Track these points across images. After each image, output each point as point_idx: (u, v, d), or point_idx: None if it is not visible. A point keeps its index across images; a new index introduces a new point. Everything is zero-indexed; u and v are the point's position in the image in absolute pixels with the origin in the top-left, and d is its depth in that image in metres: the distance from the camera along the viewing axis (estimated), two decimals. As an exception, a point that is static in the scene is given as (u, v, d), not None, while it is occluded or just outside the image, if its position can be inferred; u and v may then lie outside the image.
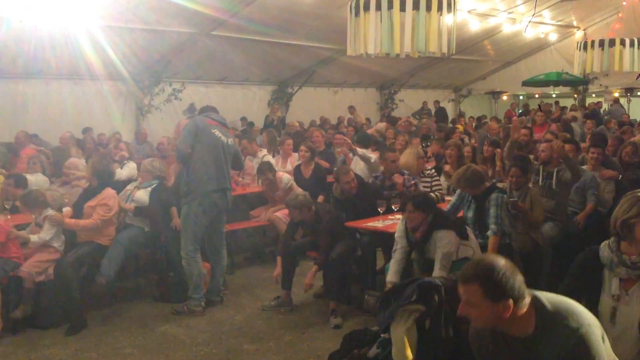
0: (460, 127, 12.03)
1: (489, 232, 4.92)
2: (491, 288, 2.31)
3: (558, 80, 15.82)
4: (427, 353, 3.40)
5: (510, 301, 2.31)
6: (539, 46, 17.03)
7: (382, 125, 12.38)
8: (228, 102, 13.03)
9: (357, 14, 7.11)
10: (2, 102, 10.54)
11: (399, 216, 5.72)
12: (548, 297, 2.42)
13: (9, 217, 5.68)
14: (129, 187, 6.12)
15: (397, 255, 4.81)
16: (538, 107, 15.42)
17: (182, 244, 5.50)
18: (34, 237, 5.20)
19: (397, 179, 6.30)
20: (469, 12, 12.46)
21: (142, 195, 5.85)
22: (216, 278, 5.77)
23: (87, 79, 11.11)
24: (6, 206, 6.07)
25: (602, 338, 2.38)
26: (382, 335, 3.69)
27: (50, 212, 5.27)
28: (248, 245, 7.60)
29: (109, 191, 5.59)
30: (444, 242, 4.51)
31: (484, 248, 4.86)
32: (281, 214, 6.95)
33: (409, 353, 3.36)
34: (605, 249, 2.86)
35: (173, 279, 5.89)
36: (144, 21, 9.79)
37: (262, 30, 11.22)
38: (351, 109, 15.62)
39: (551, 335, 2.35)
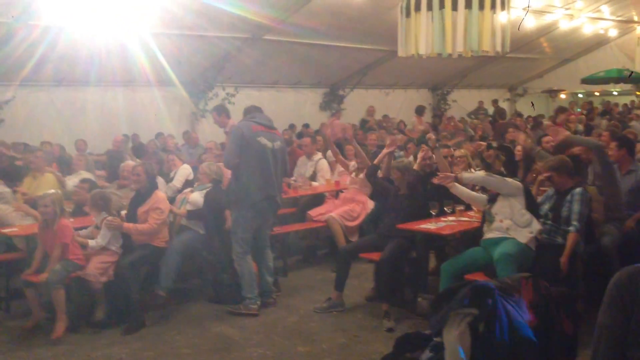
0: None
1: (571, 228, 4.76)
2: None
3: (619, 77, 15.29)
4: (481, 358, 3.33)
5: None
6: (598, 42, 16.48)
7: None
8: (280, 105, 13.15)
9: (408, 14, 7.06)
10: (61, 108, 10.96)
11: (451, 218, 5.65)
12: None
13: (71, 220, 5.91)
14: (186, 190, 6.26)
15: None
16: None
17: (233, 246, 5.61)
18: (91, 242, 5.37)
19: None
20: (523, 9, 12.15)
21: (197, 197, 5.98)
22: (264, 279, 5.82)
23: (142, 85, 11.42)
24: (67, 209, 6.27)
25: None
26: (434, 339, 3.64)
27: (108, 216, 5.42)
28: (301, 248, 7.64)
29: (159, 194, 5.72)
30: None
31: (557, 247, 4.75)
32: (337, 215, 6.97)
33: (463, 356, 3.30)
34: None
35: (227, 281, 5.98)
36: (197, 28, 9.99)
37: (312, 34, 11.27)
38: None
39: None
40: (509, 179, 5.08)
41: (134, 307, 5.29)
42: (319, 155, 8.41)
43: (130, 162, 7.19)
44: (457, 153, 6.64)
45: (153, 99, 11.72)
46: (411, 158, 7.21)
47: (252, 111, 5.81)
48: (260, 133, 5.56)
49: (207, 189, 6.04)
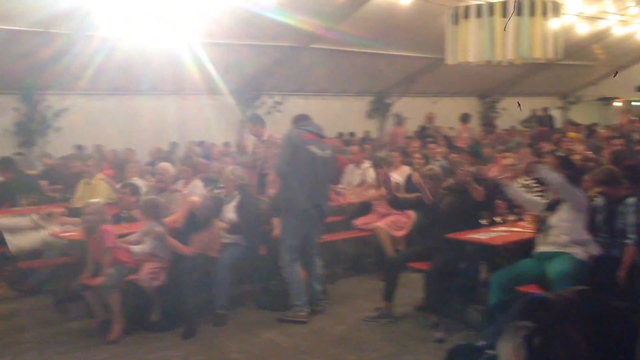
0: (573, 135, 11.45)
1: (628, 242, 4.62)
2: None
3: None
4: None
5: None
6: (655, 49, 15.99)
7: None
8: (326, 113, 13.17)
9: (456, 21, 7.03)
10: (115, 116, 11.30)
11: (503, 228, 5.56)
12: None
13: (124, 225, 6.07)
14: None
15: None
16: None
17: (281, 254, 5.65)
18: (135, 248, 5.47)
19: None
20: (576, 15, 11.91)
21: (229, 213, 5.94)
22: (313, 286, 5.84)
23: (191, 93, 11.69)
24: (122, 214, 6.43)
25: None
26: (487, 351, 3.58)
27: (158, 227, 5.49)
28: (349, 256, 7.64)
29: (217, 224, 5.73)
30: None
31: (613, 260, 4.62)
32: (384, 224, 6.95)
33: None
34: None
35: (276, 287, 6.03)
36: (245, 37, 10.16)
37: (358, 42, 11.30)
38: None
39: None
40: (580, 192, 4.90)
41: (188, 312, 5.38)
42: (367, 163, 8.40)
43: (164, 164, 7.17)
44: (506, 161, 6.49)
45: (202, 107, 11.96)
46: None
47: (301, 119, 5.82)
48: (311, 141, 5.57)
49: (236, 200, 6.00)
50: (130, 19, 8.56)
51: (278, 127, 12.26)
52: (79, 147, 10.41)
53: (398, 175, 7.75)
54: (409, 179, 7.55)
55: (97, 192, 7.10)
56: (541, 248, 4.84)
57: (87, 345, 5.12)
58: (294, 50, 11.40)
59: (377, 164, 7.15)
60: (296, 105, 12.41)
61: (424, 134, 13.18)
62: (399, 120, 13.50)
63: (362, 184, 8.21)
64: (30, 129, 10.66)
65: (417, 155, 7.70)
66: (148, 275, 5.36)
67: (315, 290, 5.84)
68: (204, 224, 5.59)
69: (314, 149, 5.56)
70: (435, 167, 6.32)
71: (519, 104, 15.12)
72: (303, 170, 5.49)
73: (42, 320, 5.69)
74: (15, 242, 6.27)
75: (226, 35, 9.99)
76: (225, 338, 5.25)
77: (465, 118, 14.36)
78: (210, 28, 9.43)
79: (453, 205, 5.59)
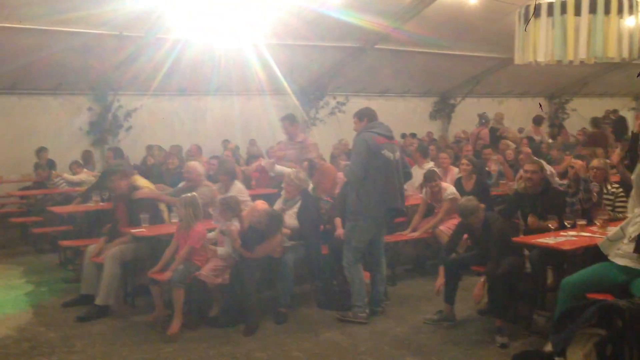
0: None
1: None
2: None
3: None
4: None
5: None
6: None
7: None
8: (389, 114, 13.04)
9: (526, 20, 6.85)
10: (184, 116, 11.66)
11: (572, 233, 5.38)
12: None
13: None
14: (275, 205, 6.19)
15: None
16: None
17: (345, 253, 5.65)
18: (220, 250, 5.59)
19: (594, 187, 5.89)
20: None
21: (290, 220, 5.96)
22: (376, 287, 5.83)
23: (256, 94, 11.90)
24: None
25: None
26: (555, 358, 3.48)
27: (234, 225, 5.56)
28: (410, 257, 7.58)
29: (278, 236, 5.76)
30: None
31: None
32: (444, 227, 6.86)
33: None
34: None
35: (336, 287, 6.06)
36: (309, 38, 10.24)
37: (425, 41, 11.19)
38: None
39: None
40: None
41: (251, 309, 5.47)
42: (431, 163, 8.32)
43: (193, 163, 7.28)
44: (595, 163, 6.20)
45: (266, 107, 12.15)
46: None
47: (367, 115, 5.72)
48: (384, 146, 5.50)
49: (297, 205, 6.00)
50: (199, 21, 8.77)
51: (341, 127, 12.39)
52: (150, 147, 10.75)
53: (448, 181, 7.67)
54: (458, 181, 7.46)
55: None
56: (624, 261, 4.45)
57: (152, 339, 5.27)
58: (358, 51, 11.41)
59: (427, 179, 7.07)
60: (359, 105, 12.33)
61: (497, 134, 12.80)
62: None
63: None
64: (102, 128, 11.12)
65: (464, 160, 7.56)
66: (210, 272, 5.49)
67: (378, 291, 5.83)
68: (265, 236, 5.64)
69: (387, 153, 5.50)
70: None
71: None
72: (377, 175, 5.44)
73: (110, 312, 5.89)
74: None
75: (291, 36, 10.11)
76: (286, 336, 5.31)
77: (537, 120, 13.95)
78: (276, 29, 9.55)
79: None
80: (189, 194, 5.74)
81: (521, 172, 6.05)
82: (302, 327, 5.52)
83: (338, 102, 12.94)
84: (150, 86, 10.46)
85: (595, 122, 12.89)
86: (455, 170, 8.18)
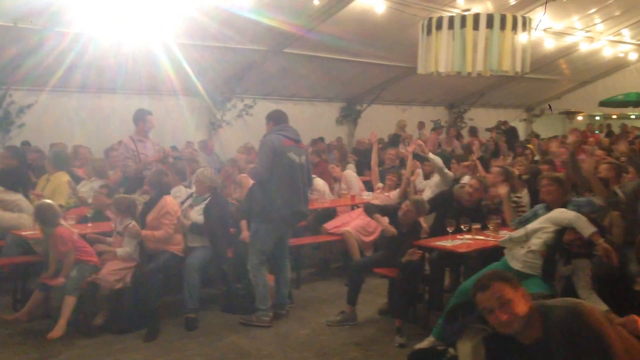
0: (531, 147, 11.76)
1: None
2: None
3: (638, 101, 15.20)
4: None
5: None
6: (618, 65, 16.42)
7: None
8: (297, 118, 13.06)
9: (429, 32, 7.11)
10: (86, 115, 11.10)
11: (468, 236, 5.64)
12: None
13: (89, 225, 5.99)
14: (186, 203, 6.12)
15: None
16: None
17: (249, 257, 5.62)
18: (119, 251, 5.40)
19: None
20: (544, 30, 12.18)
21: (195, 215, 5.87)
22: (280, 290, 5.84)
23: (164, 94, 11.57)
24: (88, 214, 6.35)
25: None
26: (446, 349, 3.64)
27: (131, 223, 5.45)
28: (314, 260, 7.65)
29: (167, 199, 5.69)
30: None
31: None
32: (353, 229, 6.99)
33: None
34: None
35: (240, 291, 6.01)
36: (218, 39, 10.11)
37: (334, 48, 11.35)
38: (420, 124, 15.47)
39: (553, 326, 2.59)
40: None
41: (152, 314, 5.32)
42: (337, 169, 8.46)
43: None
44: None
45: (174, 107, 11.85)
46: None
47: (274, 117, 5.76)
48: (290, 148, 5.54)
49: (206, 202, 5.92)
50: (104, 15, 8.45)
51: (248, 130, 12.30)
52: (25, 144, 10.11)
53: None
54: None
55: (55, 189, 6.89)
56: (518, 266, 4.71)
57: (45, 345, 5.01)
58: (266, 55, 11.39)
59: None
60: (267, 109, 12.27)
61: (397, 141, 13.20)
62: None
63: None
64: (-9, 124, 10.41)
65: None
66: (110, 276, 5.29)
67: (282, 294, 5.84)
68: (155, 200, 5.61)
69: (293, 155, 5.54)
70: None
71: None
72: (283, 176, 5.46)
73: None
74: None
75: (200, 37, 9.93)
76: (188, 341, 5.20)
77: (435, 126, 14.54)
78: (186, 28, 9.37)
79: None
80: (46, 201, 5.52)
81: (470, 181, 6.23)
82: (205, 331, 5.43)
83: (246, 105, 12.85)
84: (47, 82, 9.92)
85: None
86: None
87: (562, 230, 4.53)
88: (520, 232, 4.79)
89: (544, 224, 4.66)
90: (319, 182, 8.15)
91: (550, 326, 2.68)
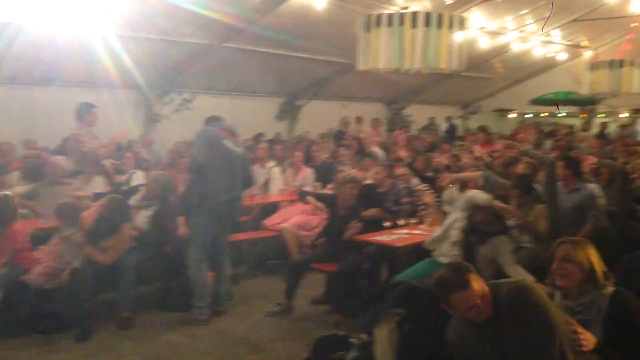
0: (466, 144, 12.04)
1: None
2: None
3: (567, 99, 15.82)
4: (406, 356, 3.43)
5: None
6: (548, 65, 17.01)
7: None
8: (237, 113, 13.01)
9: (368, 29, 7.17)
10: (17, 108, 10.59)
11: (404, 231, 5.75)
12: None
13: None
14: (133, 204, 5.96)
15: None
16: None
17: (189, 253, 5.54)
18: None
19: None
20: (479, 29, 12.50)
21: (140, 221, 5.77)
22: (220, 287, 5.78)
23: (100, 86, 11.18)
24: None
25: None
26: (354, 339, 3.72)
27: (73, 232, 5.27)
28: (253, 256, 7.61)
29: (125, 229, 5.48)
30: None
31: None
32: (292, 225, 6.99)
33: (392, 354, 3.40)
34: (557, 294, 3.08)
35: (177, 288, 5.90)
36: (157, 31, 9.87)
37: (274, 42, 11.28)
38: (358, 119, 15.61)
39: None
40: None
41: (85, 313, 5.16)
42: (272, 163, 8.44)
43: (57, 158, 6.83)
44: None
45: (110, 100, 11.48)
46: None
47: (214, 120, 5.80)
48: (226, 137, 5.56)
49: (154, 210, 5.82)
50: (36, 5, 8.10)
51: (187, 125, 12.07)
52: None
53: (299, 180, 7.88)
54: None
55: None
56: (446, 260, 4.80)
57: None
58: (206, 48, 11.20)
59: None
60: (206, 103, 12.23)
61: (342, 137, 13.24)
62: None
63: (265, 184, 8.23)
64: None
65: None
66: (40, 276, 5.10)
67: (221, 291, 5.77)
68: (113, 228, 5.38)
69: (229, 144, 5.54)
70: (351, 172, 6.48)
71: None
72: (220, 163, 5.44)
73: None
74: None
75: (139, 28, 9.66)
76: (123, 340, 5.09)
77: (376, 123, 14.75)
78: (123, 19, 9.09)
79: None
80: (5, 193, 5.30)
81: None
82: (140, 330, 5.32)
83: (184, 99, 12.61)
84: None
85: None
86: (308, 170, 8.39)
87: (473, 214, 4.75)
88: (440, 230, 4.98)
89: (456, 214, 4.87)
90: (276, 171, 8.16)
91: (499, 303, 2.76)
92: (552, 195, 5.56)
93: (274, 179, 8.23)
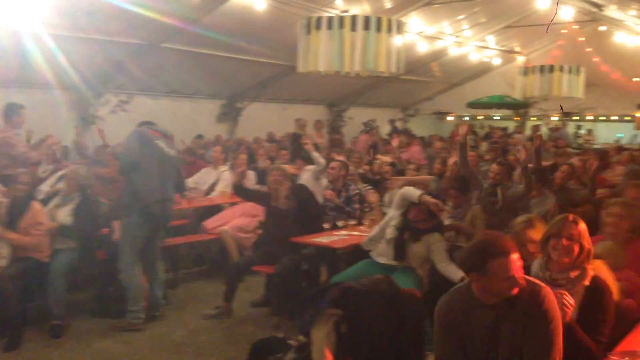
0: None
1: None
2: None
3: (501, 103, 16.33)
4: (343, 356, 3.47)
5: None
6: (484, 70, 17.52)
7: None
8: (177, 115, 12.85)
9: (308, 32, 7.19)
10: None
11: (344, 232, 5.79)
12: None
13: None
14: (52, 202, 5.82)
15: None
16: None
17: (121, 256, 5.41)
18: None
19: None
20: (417, 34, 12.75)
21: (63, 217, 5.61)
22: (154, 292, 5.66)
23: (34, 87, 10.79)
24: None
25: None
26: (291, 340, 3.73)
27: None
28: (192, 260, 7.49)
29: (36, 206, 5.37)
30: None
31: None
32: (232, 228, 6.93)
33: (330, 355, 3.42)
34: (535, 265, 3.04)
35: (113, 294, 5.75)
36: (93, 30, 9.59)
37: (214, 44, 11.15)
38: (300, 121, 15.62)
39: None
40: None
41: (13, 321, 4.94)
42: (225, 167, 8.31)
43: None
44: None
45: (43, 100, 11.08)
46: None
47: (146, 124, 5.73)
48: (159, 137, 5.51)
49: (75, 203, 5.67)
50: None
51: (123, 127, 11.77)
52: None
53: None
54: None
55: None
56: (383, 259, 4.95)
57: None
58: (143, 49, 10.97)
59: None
60: (144, 105, 12.00)
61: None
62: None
63: (212, 186, 8.12)
64: None
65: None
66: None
67: (156, 296, 5.66)
68: (23, 205, 5.26)
69: (162, 144, 5.48)
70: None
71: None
72: (152, 163, 5.36)
73: None
74: None
75: (73, 28, 9.35)
76: (55, 349, 4.92)
77: (319, 125, 14.85)
78: (57, 18, 8.78)
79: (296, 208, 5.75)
80: None
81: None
82: (73, 338, 5.15)
83: (120, 101, 12.29)
84: None
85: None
86: (251, 173, 8.31)
87: (407, 211, 4.83)
88: (376, 229, 5.05)
89: (391, 212, 4.96)
90: (227, 174, 8.09)
91: (518, 295, 2.70)
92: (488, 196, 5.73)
93: (223, 180, 8.12)
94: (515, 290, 2.63)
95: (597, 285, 2.99)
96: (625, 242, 3.92)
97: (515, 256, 2.63)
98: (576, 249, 2.99)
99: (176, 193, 6.05)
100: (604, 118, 19.05)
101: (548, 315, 2.59)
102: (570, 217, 3.10)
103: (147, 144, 5.38)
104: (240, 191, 6.04)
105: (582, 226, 3.07)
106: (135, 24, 9.64)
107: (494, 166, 6.09)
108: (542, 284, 2.71)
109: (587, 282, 2.98)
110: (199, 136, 12.98)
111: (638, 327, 3.14)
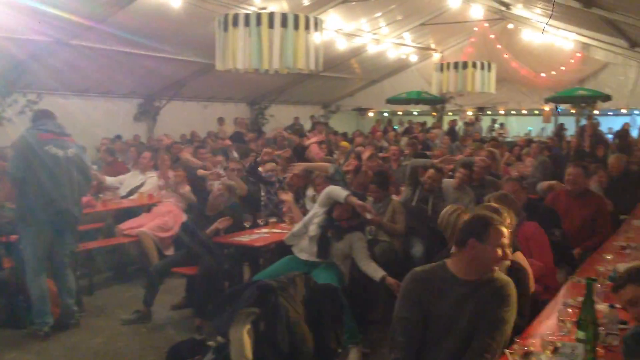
0: (344, 144, 12.26)
1: None
2: None
3: (418, 98, 16.74)
4: (263, 355, 3.46)
5: None
6: (401, 66, 17.92)
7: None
8: (91, 114, 12.39)
9: (225, 29, 7.09)
10: None
11: (265, 230, 5.76)
12: None
13: None
14: None
15: None
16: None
17: (25, 265, 5.13)
18: None
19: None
20: (336, 31, 12.85)
21: None
22: (64, 300, 5.37)
23: None
24: None
25: None
26: (208, 342, 3.69)
27: None
28: (110, 264, 7.23)
29: None
30: None
31: None
32: (150, 228, 6.75)
33: (249, 354, 3.40)
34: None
35: (22, 303, 5.46)
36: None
37: (129, 41, 10.81)
38: (220, 120, 15.50)
39: None
40: None
41: None
42: (153, 173, 8.03)
43: None
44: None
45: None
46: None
47: (41, 117, 5.30)
48: (50, 141, 5.09)
49: None
50: None
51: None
52: None
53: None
54: None
55: None
56: (306, 256, 4.93)
57: None
58: (52, 46, 10.48)
59: None
60: (55, 105, 11.41)
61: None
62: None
63: (135, 189, 7.88)
64: None
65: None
66: None
67: (67, 304, 5.38)
68: None
69: (54, 149, 5.10)
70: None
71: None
72: (42, 173, 5.00)
73: None
74: None
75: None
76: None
77: (220, 121, 14.97)
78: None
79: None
80: None
81: None
82: (-21, 351, 4.86)
83: (29, 101, 11.71)
84: None
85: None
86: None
87: (331, 209, 4.88)
88: (299, 225, 5.05)
89: (315, 209, 4.98)
90: (153, 181, 7.84)
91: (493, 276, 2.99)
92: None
93: (147, 184, 7.87)
94: (496, 268, 2.92)
95: (516, 268, 3.30)
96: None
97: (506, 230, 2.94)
98: None
99: (85, 194, 5.77)
100: (515, 112, 19.91)
101: (508, 305, 2.83)
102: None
103: (34, 153, 5.00)
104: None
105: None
106: (43, 20, 9.20)
107: (431, 171, 6.16)
108: (509, 282, 2.94)
109: (508, 264, 3.22)
110: (117, 137, 12.60)
111: (544, 310, 3.30)
